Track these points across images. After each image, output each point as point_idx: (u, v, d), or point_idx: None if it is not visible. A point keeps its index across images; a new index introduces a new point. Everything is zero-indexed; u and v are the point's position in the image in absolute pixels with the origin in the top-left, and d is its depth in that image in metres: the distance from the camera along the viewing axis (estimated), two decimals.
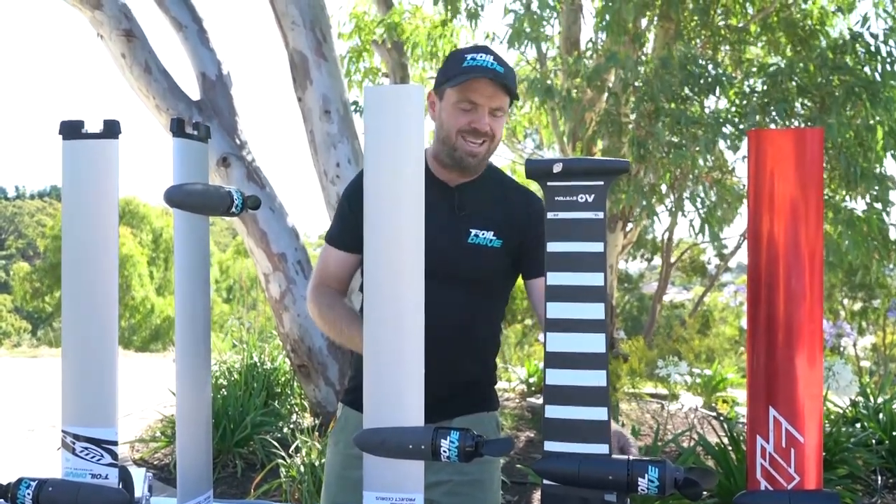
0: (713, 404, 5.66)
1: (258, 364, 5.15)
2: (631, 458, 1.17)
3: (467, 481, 1.64)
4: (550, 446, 1.20)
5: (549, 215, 1.22)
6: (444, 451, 1.23)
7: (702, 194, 4.08)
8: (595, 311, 1.19)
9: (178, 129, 1.31)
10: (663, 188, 4.60)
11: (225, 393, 4.59)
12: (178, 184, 1.31)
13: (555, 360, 1.21)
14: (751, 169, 1.18)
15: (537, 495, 3.82)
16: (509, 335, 7.88)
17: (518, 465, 4.02)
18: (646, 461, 1.16)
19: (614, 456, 1.18)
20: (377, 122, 1.29)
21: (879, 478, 3.96)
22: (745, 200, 4.86)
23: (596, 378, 1.19)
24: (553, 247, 1.22)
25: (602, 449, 1.18)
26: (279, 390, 5.12)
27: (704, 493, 1.12)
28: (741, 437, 3.53)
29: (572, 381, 1.19)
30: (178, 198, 1.30)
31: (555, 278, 1.21)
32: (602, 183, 1.21)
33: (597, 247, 1.20)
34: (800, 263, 1.14)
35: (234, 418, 4.31)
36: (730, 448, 3.47)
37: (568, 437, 1.19)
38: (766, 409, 1.14)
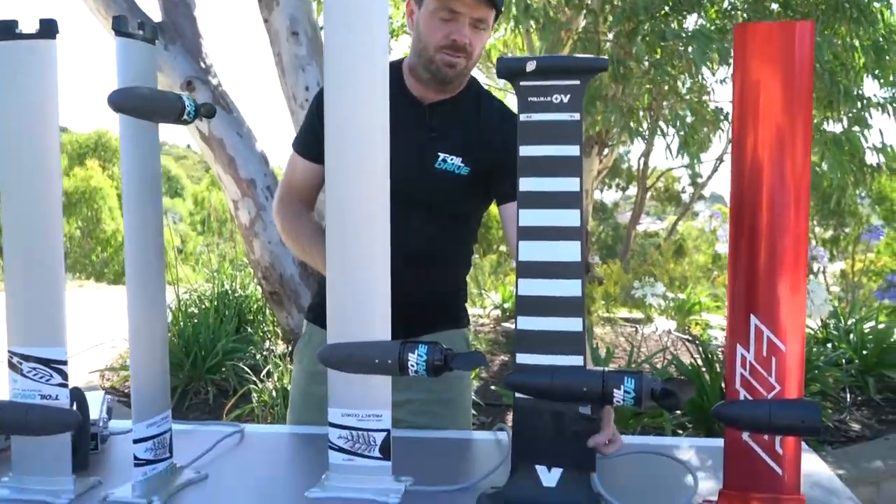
0: (686, 328, 5.69)
1: (230, 292, 5.08)
2: (606, 369, 1.13)
3: (436, 400, 1.59)
4: (523, 359, 1.15)
5: (522, 117, 1.14)
6: (412, 366, 1.17)
7: (681, 113, 4.00)
8: (569, 218, 1.13)
9: (121, 27, 1.21)
10: (640, 112, 4.51)
11: (196, 321, 4.53)
12: (123, 87, 1.21)
13: (527, 269, 1.15)
14: (736, 70, 1.10)
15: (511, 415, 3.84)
16: (484, 264, 7.85)
17: (493, 388, 4.02)
18: (622, 372, 1.12)
19: (588, 367, 1.14)
20: (337, 18, 1.20)
21: (848, 395, 4.01)
22: (722, 124, 4.79)
23: (570, 288, 1.13)
24: (526, 150, 1.15)
25: (576, 361, 1.13)
26: (251, 318, 5.07)
27: (678, 410, 1.08)
28: (714, 358, 3.53)
29: (545, 291, 1.14)
30: (123, 102, 1.21)
31: (528, 184, 1.15)
32: (578, 82, 1.14)
33: (572, 150, 1.13)
34: (787, 161, 1.08)
35: (205, 345, 4.27)
36: (703, 368, 3.48)
37: (541, 348, 1.14)
38: (746, 316, 1.09)
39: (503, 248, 7.66)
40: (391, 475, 1.21)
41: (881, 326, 4.43)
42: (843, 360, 4.22)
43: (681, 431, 3.29)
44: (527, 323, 1.15)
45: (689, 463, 1.32)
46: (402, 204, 1.37)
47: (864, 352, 4.21)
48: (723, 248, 7.55)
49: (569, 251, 1.13)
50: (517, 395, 1.15)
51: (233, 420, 3.47)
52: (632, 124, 4.31)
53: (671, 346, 4.66)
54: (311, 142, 1.56)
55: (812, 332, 4.58)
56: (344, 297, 1.21)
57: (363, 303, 1.20)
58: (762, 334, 1.09)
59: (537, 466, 1.15)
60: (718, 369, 3.41)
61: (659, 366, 4.05)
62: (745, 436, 1.10)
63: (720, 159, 6.97)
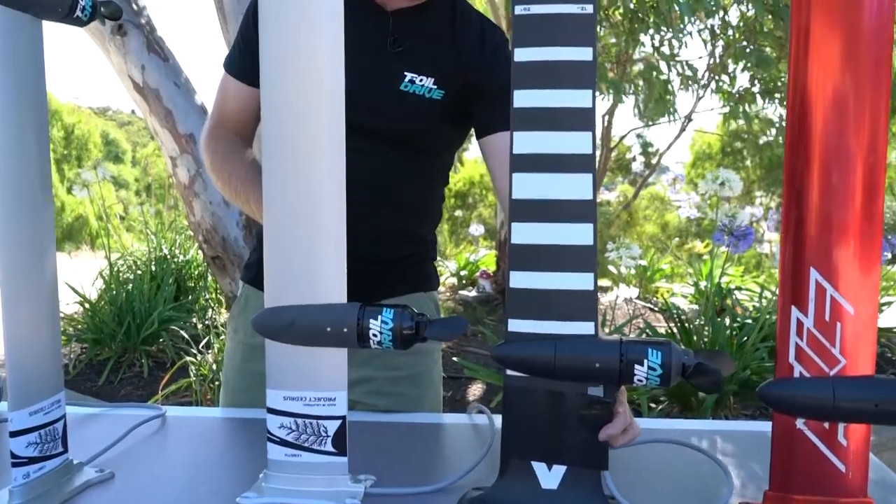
0: (649, 296, 5.52)
1: (168, 257, 4.75)
2: (624, 338, 0.88)
3: (399, 377, 1.33)
4: (516, 326, 0.89)
5: (518, 10, 0.88)
6: (375, 336, 0.91)
7: (654, 65, 3.77)
8: (579, 142, 0.87)
9: None
10: (607, 65, 4.28)
11: (130, 288, 4.20)
12: None
13: (523, 210, 0.89)
14: None
15: (474, 389, 3.61)
16: (441, 227, 7.59)
17: (454, 358, 3.78)
18: (644, 343, 0.87)
19: (602, 336, 0.89)
20: None
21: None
22: (689, 83, 4.59)
23: (579, 234, 0.88)
24: (523, 54, 0.88)
25: (586, 328, 0.88)
26: (192, 284, 4.75)
27: (716, 391, 0.83)
28: (689, 325, 3.34)
29: (547, 237, 0.88)
30: None
31: (525, 98, 0.88)
32: None
33: (584, 53, 0.87)
34: (860, 67, 0.83)
35: (140, 314, 3.94)
36: (679, 337, 3.29)
37: (539, 313, 0.89)
38: (804, 271, 0.86)
39: (458, 213, 7.41)
40: (347, 474, 0.96)
41: None
42: None
43: (653, 405, 3.09)
44: (522, 280, 0.89)
45: (720, 455, 1.08)
46: (359, 136, 1.11)
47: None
48: (685, 212, 7.42)
49: (578, 186, 0.87)
50: (508, 372, 0.90)
51: (169, 396, 3.18)
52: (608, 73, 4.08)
53: (638, 314, 4.47)
54: (246, 59, 1.27)
55: (774, 295, 4.44)
56: (286, 250, 0.94)
57: (311, 255, 0.94)
58: (824, 294, 0.85)
59: (534, 464, 0.90)
60: (695, 339, 3.22)
61: (630, 334, 3.85)
62: (800, 423, 0.87)
63: (683, 128, 6.76)
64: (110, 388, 3.60)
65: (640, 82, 4.33)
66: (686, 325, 3.30)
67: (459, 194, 12.22)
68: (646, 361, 0.85)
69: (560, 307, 0.88)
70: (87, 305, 4.10)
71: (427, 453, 1.11)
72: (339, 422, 0.95)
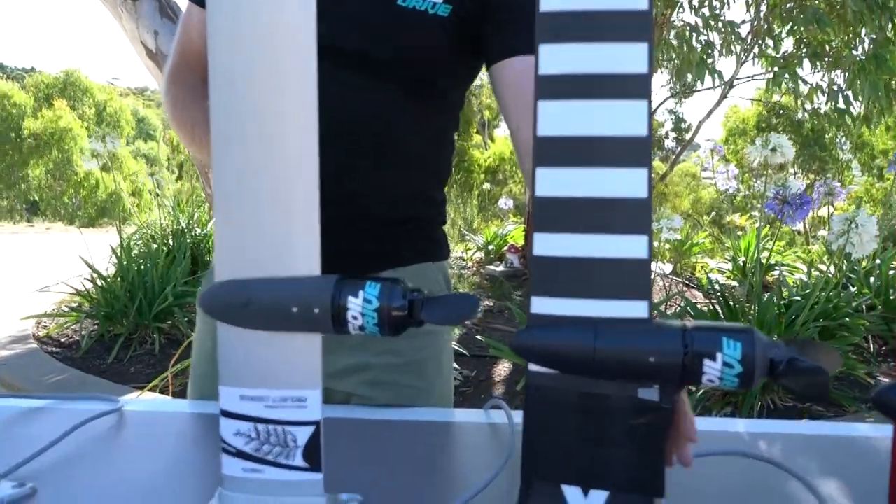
0: (685, 270, 5.26)
1: (185, 230, 4.57)
2: (689, 325, 0.65)
3: (401, 365, 1.11)
4: (542, 306, 0.67)
5: None
6: (354, 318, 0.69)
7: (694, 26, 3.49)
8: (631, 59, 0.64)
9: None
10: None
11: (143, 262, 4.02)
12: None
13: (551, 152, 0.66)
14: None
15: (499, 369, 3.39)
16: (470, 201, 7.35)
17: (478, 336, 3.57)
18: (718, 329, 0.64)
19: (658, 321, 0.66)
20: None
21: (872, 345, 3.60)
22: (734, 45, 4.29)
23: (630, 182, 0.65)
24: None
25: (637, 309, 0.65)
26: (209, 258, 4.57)
27: (820, 398, 0.60)
28: (735, 304, 3.09)
29: (583, 188, 0.66)
30: None
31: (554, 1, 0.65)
32: None
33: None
34: None
35: (152, 289, 3.76)
36: (722, 316, 3.04)
37: (574, 288, 0.66)
38: None
39: (486, 185, 7.16)
40: (323, 495, 0.74)
41: None
42: (864, 307, 3.80)
43: (692, 390, 2.85)
44: (550, 245, 0.66)
45: (800, 469, 0.84)
46: (346, 65, 0.89)
47: (892, 296, 3.79)
48: (722, 185, 7.11)
49: (628, 116, 0.64)
50: (531, 367, 0.68)
51: (178, 374, 3.00)
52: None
53: (675, 290, 4.22)
54: None
55: (824, 274, 4.15)
56: (239, 207, 0.72)
57: (273, 215, 0.72)
58: None
59: (565, 488, 0.68)
60: (741, 318, 2.96)
61: (669, 311, 3.60)
62: None
63: (724, 95, 6.42)
64: (119, 367, 3.43)
65: (679, 45, 4.05)
66: (730, 302, 3.04)
67: (489, 170, 11.96)
68: (719, 356, 0.62)
69: (602, 281, 0.65)
70: (99, 281, 3.93)
71: (431, 462, 0.89)
72: (311, 428, 0.73)
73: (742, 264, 5.01)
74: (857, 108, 3.64)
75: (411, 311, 0.69)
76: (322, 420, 0.73)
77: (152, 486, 0.83)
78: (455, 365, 3.25)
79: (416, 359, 1.11)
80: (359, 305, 0.69)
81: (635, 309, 0.65)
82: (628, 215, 0.65)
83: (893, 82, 3.70)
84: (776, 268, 4.81)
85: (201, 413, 1.06)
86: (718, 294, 3.08)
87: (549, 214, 0.66)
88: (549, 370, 0.67)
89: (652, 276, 0.66)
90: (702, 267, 5.29)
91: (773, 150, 2.68)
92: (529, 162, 0.68)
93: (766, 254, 4.59)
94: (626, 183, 0.65)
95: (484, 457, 0.89)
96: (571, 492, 0.68)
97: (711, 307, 3.07)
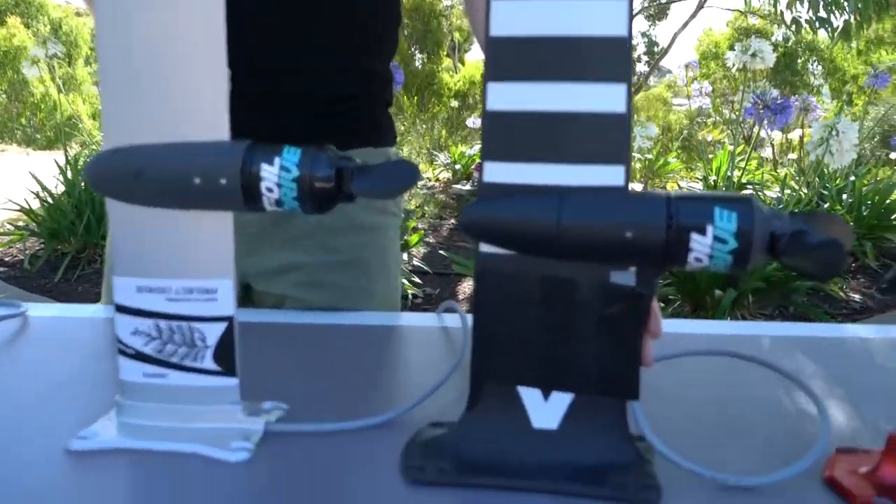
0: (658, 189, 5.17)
1: None
2: (674, 194, 0.54)
3: (340, 263, 0.98)
4: (496, 172, 0.55)
5: None
6: (269, 190, 0.57)
7: None
8: None
9: None
10: None
11: None
12: None
13: None
14: None
15: (464, 287, 3.30)
16: (438, 122, 7.18)
17: (441, 252, 3.46)
18: (709, 199, 0.53)
19: (636, 189, 0.54)
20: None
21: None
22: None
23: (604, 16, 0.52)
24: None
25: (611, 175, 0.54)
26: None
27: (833, 273, 0.49)
28: None
29: (548, 25, 0.53)
30: None
31: None
32: None
33: None
34: None
35: (101, 205, 3.59)
36: None
37: (533, 149, 0.54)
38: None
39: (454, 103, 6.98)
40: (239, 403, 0.63)
41: (880, 185, 3.94)
42: None
43: (662, 304, 2.78)
44: (506, 97, 0.54)
45: (800, 377, 0.74)
46: None
47: (863, 212, 3.73)
48: (697, 102, 6.98)
49: None
50: (483, 248, 0.56)
51: None
52: None
53: None
54: None
55: (796, 192, 4.08)
56: (127, 52, 0.59)
57: (168, 67, 0.58)
58: None
59: (522, 391, 0.57)
60: None
61: None
62: None
63: (694, 14, 6.22)
64: (66, 286, 3.29)
65: None
66: None
67: (459, 94, 11.69)
68: (710, 229, 0.51)
69: (570, 141, 0.54)
70: (45, 195, 3.75)
71: (372, 370, 0.78)
72: (221, 325, 0.61)
73: (713, 183, 4.93)
74: (837, 20, 3.51)
75: (339, 182, 0.57)
76: (236, 316, 0.62)
77: (49, 396, 0.71)
78: (417, 280, 3.15)
79: (356, 256, 0.99)
80: (274, 174, 0.56)
81: (609, 175, 0.54)
82: (603, 58, 0.53)
83: None
84: (748, 187, 4.73)
85: (109, 318, 0.94)
86: None
87: (506, 59, 0.54)
88: (504, 251, 0.55)
89: (631, 136, 0.54)
90: (672, 187, 5.20)
91: (754, 55, 2.55)
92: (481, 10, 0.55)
93: (738, 173, 4.51)
94: (601, 17, 0.52)
95: (434, 363, 0.78)
96: (529, 395, 0.57)
97: None
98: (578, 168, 0.54)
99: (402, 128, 4.98)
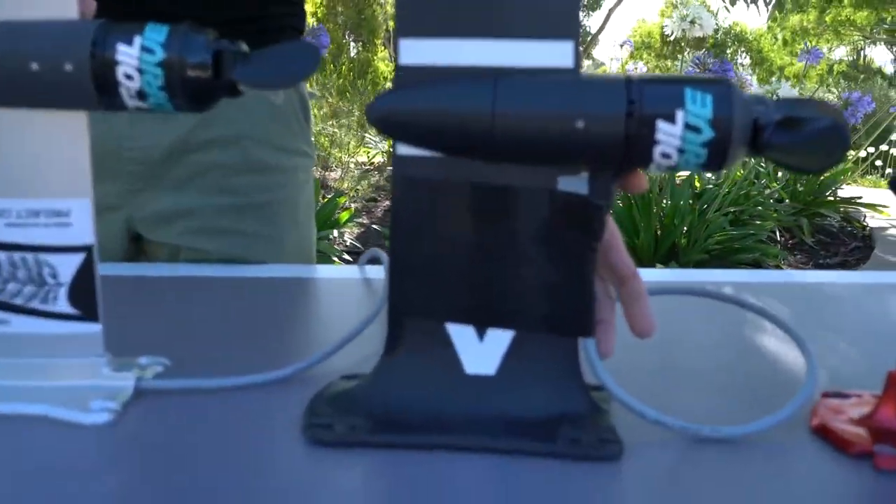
0: None
1: None
2: (635, 76, 0.43)
3: (240, 207, 0.86)
4: (413, 52, 0.44)
5: None
6: (129, 77, 0.45)
7: None
8: None
9: None
10: None
11: None
12: None
13: None
14: None
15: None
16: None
17: (375, 227, 3.34)
18: (677, 81, 0.43)
19: (587, 73, 0.44)
20: None
21: (780, 236, 3.55)
22: None
23: None
24: None
25: (559, 54, 0.43)
26: None
27: (825, 164, 0.39)
28: (647, 193, 2.95)
29: None
30: None
31: None
32: None
33: None
34: None
35: None
36: (633, 201, 2.89)
37: (461, 20, 0.43)
38: None
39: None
40: (104, 355, 0.51)
41: None
42: (773, 199, 3.74)
43: None
44: None
45: (780, 316, 0.63)
46: None
47: (799, 188, 3.73)
48: None
49: None
50: (399, 151, 0.45)
51: None
52: None
53: None
54: None
55: (732, 169, 4.07)
56: None
57: None
58: None
59: (451, 328, 0.47)
60: (654, 210, 2.82)
61: None
62: None
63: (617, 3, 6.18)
64: None
65: None
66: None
67: None
68: (680, 114, 0.41)
69: (505, 8, 0.43)
70: None
71: (277, 324, 0.67)
72: (78, 257, 0.49)
73: None
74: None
75: (218, 69, 0.45)
76: (97, 246, 0.49)
77: None
78: (349, 259, 3.03)
79: (260, 200, 0.87)
80: (134, 57, 0.44)
81: (555, 53, 0.43)
82: None
83: None
84: None
85: None
86: None
87: None
88: (426, 152, 0.45)
89: (580, 5, 0.43)
90: None
91: (692, 22, 2.48)
92: None
93: None
94: None
95: (353, 317, 0.67)
96: (460, 334, 0.46)
97: (624, 197, 2.92)
98: (517, 45, 0.43)
99: (329, 104, 4.82)
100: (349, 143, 4.33)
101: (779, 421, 0.47)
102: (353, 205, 3.51)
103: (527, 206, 0.44)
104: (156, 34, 0.45)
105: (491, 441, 0.44)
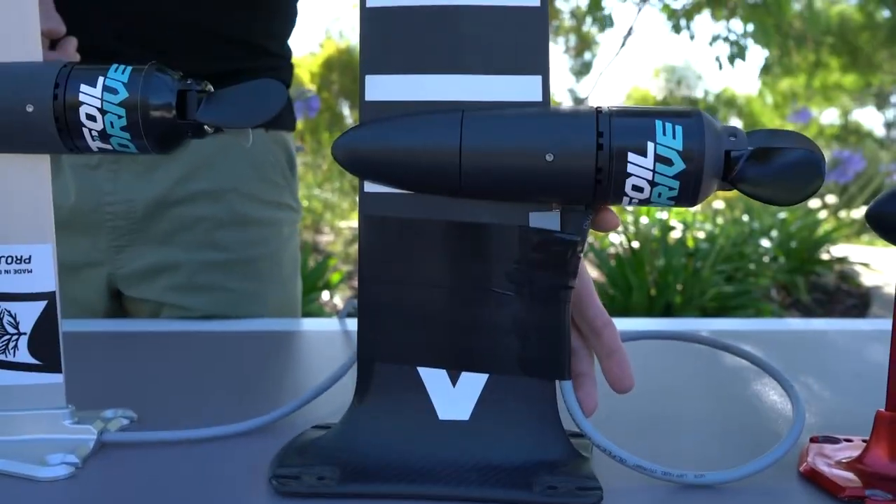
0: None
1: None
2: (605, 108, 0.43)
3: (223, 263, 0.84)
4: (379, 89, 0.43)
5: None
6: (91, 119, 0.44)
7: None
8: None
9: None
10: None
11: None
12: None
13: None
14: None
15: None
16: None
17: None
18: (648, 113, 0.42)
19: (557, 107, 0.43)
20: None
21: (777, 294, 3.53)
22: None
23: None
24: None
25: (528, 88, 0.42)
26: None
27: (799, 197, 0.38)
28: (639, 247, 2.94)
29: None
30: None
31: None
32: None
33: None
34: None
35: None
36: (629, 262, 2.88)
37: (428, 55, 0.43)
38: None
39: None
40: (66, 407, 0.49)
41: (808, 220, 3.96)
42: (768, 257, 3.74)
43: None
44: None
45: (766, 362, 0.61)
46: None
47: (793, 246, 3.72)
48: None
49: None
50: (366, 188, 0.44)
51: None
52: None
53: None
54: None
55: (722, 229, 4.08)
56: None
57: None
58: None
59: (423, 372, 0.45)
60: (647, 269, 2.81)
61: None
62: None
63: (624, 42, 6.31)
64: None
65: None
66: (634, 250, 2.89)
67: None
68: (651, 147, 0.40)
69: (472, 42, 0.43)
70: None
71: (253, 377, 0.65)
72: (39, 305, 0.48)
73: (644, 223, 4.91)
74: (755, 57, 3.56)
75: (183, 109, 0.45)
76: (59, 294, 0.48)
77: None
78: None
79: (244, 256, 0.86)
80: (97, 98, 0.44)
81: (524, 87, 0.42)
82: None
83: (784, 25, 3.65)
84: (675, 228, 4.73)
85: None
86: (620, 245, 2.93)
87: None
88: (393, 189, 0.44)
89: (549, 39, 0.43)
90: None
91: (678, 82, 2.49)
92: None
93: (667, 214, 4.51)
94: None
95: (331, 368, 0.65)
96: (433, 378, 0.45)
97: (616, 256, 2.91)
98: (485, 80, 0.42)
99: (326, 165, 4.85)
100: (342, 206, 4.35)
101: (765, 465, 0.45)
102: (344, 267, 3.50)
103: (497, 243, 0.43)
104: (119, 74, 0.44)
105: (465, 490, 0.42)
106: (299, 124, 5.71)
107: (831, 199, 5.21)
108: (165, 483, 0.44)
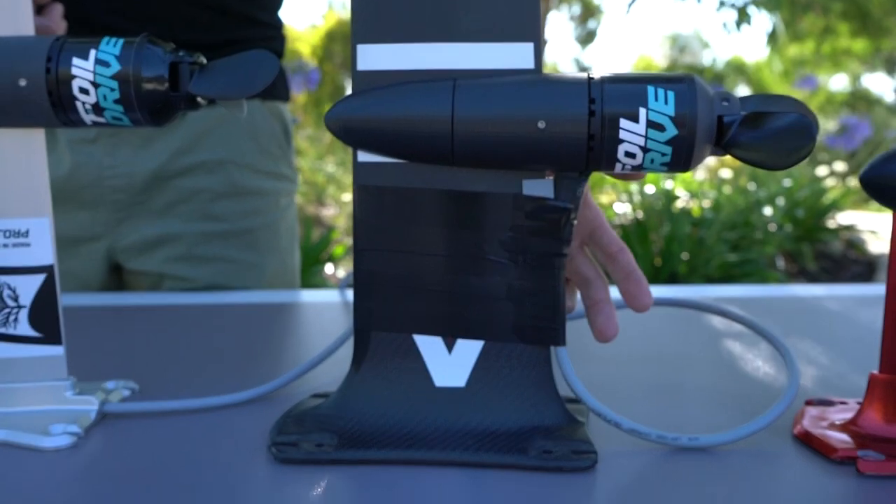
0: None
1: None
2: (597, 75, 0.43)
3: (222, 234, 0.85)
4: (370, 58, 0.43)
5: None
6: (83, 92, 0.44)
7: None
8: None
9: None
10: None
11: None
12: None
13: None
14: None
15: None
16: None
17: None
18: (640, 80, 0.42)
19: (549, 73, 0.43)
20: None
21: (782, 261, 3.53)
22: None
23: None
24: None
25: (520, 55, 0.42)
26: None
27: (795, 158, 0.38)
28: (642, 219, 2.93)
29: None
30: None
31: None
32: None
33: None
34: None
35: None
36: (633, 233, 2.87)
37: (420, 24, 0.43)
38: None
39: None
40: (67, 379, 0.50)
41: (813, 188, 3.94)
42: (774, 225, 3.73)
43: None
44: None
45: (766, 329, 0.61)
46: None
47: (799, 215, 3.71)
48: None
49: None
50: (359, 158, 0.44)
51: None
52: None
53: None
54: None
55: (728, 198, 4.06)
56: None
57: None
58: None
59: (419, 339, 0.45)
60: (652, 231, 2.80)
61: None
62: None
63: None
64: None
65: None
66: (638, 220, 2.89)
67: None
68: (643, 112, 0.40)
69: (463, 9, 0.42)
70: None
71: (253, 348, 0.65)
72: (38, 278, 0.48)
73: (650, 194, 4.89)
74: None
75: (175, 81, 0.45)
76: (56, 266, 0.48)
77: None
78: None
79: (242, 227, 0.86)
80: (89, 71, 0.44)
81: (516, 55, 0.42)
82: None
83: None
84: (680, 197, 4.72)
85: None
86: (625, 215, 2.92)
87: None
88: (386, 158, 0.44)
89: (540, 6, 0.43)
90: (609, 197, 5.17)
91: (682, 49, 2.47)
92: None
93: (673, 183, 4.49)
94: None
95: (331, 338, 0.66)
96: (428, 346, 0.45)
97: (621, 227, 2.91)
98: (476, 47, 0.42)
99: (328, 139, 4.83)
100: (345, 179, 4.34)
101: (759, 428, 0.45)
102: (347, 240, 3.51)
103: (491, 211, 0.43)
104: (111, 47, 0.44)
105: (461, 455, 0.43)
106: (301, 97, 5.66)
107: (839, 166, 5.18)
108: (166, 451, 0.45)
